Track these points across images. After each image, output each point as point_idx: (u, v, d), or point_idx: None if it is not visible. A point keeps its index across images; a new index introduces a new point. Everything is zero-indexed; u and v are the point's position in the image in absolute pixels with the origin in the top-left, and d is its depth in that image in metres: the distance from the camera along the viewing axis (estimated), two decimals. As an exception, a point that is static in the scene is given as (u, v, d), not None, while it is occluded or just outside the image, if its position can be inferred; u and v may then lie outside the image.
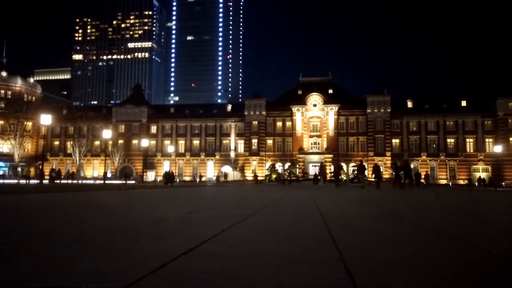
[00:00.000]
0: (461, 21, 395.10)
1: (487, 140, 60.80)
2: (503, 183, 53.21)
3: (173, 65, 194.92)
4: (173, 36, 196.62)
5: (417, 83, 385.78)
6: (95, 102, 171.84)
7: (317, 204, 6.23)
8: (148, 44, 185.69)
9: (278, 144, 67.05)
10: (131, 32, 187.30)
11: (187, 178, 67.21)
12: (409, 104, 64.38)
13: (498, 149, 53.73)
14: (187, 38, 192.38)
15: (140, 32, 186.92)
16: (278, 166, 63.47)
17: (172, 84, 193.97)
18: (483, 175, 60.44)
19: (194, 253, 2.11)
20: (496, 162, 58.48)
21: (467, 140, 61.69)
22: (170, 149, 66.01)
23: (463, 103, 62.84)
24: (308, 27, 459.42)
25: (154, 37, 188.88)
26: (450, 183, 57.30)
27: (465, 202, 9.11)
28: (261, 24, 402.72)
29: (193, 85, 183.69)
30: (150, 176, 68.14)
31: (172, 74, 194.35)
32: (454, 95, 65.24)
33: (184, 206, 6.33)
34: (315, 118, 65.71)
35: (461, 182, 58.45)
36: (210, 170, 68.96)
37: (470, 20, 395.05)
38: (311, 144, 65.28)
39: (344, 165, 61.26)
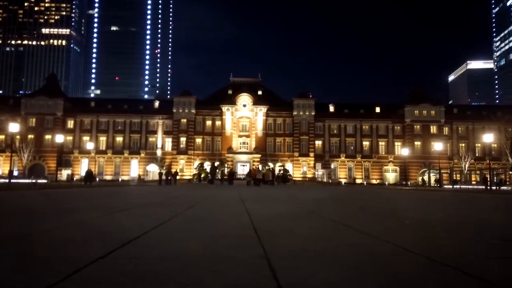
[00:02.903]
0: (376, 39, 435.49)
1: (396, 143, 67.60)
2: (409, 183, 59.80)
3: (94, 55, 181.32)
4: (95, 25, 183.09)
5: (338, 89, 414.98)
6: (0, 92, 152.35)
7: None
8: (65, 31, 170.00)
9: (207, 143, 66.53)
10: (45, 17, 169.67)
11: (108, 177, 63.16)
12: (331, 108, 68.73)
13: (405, 152, 60.12)
14: (111, 29, 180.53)
15: (56, 17, 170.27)
16: (207, 165, 62.95)
17: (93, 76, 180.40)
18: (392, 175, 67.15)
19: (114, 256, 1.95)
20: (403, 163, 65.33)
21: (380, 143, 67.92)
22: (89, 145, 61.25)
23: (377, 110, 69.07)
24: (239, 28, 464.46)
25: (73, 24, 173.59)
26: (365, 183, 62.56)
27: (378, 199, 9.97)
28: (192, 20, 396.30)
29: (117, 78, 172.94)
30: (65, 174, 62.56)
31: (94, 66, 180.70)
32: (370, 102, 71.38)
33: (104, 207, 5.90)
34: (244, 118, 66.59)
35: (374, 181, 64.17)
36: (135, 169, 65.70)
37: (384, 39, 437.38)
38: (240, 144, 66.01)
39: (271, 164, 63.12)
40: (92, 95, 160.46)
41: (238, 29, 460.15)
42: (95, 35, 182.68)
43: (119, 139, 66.46)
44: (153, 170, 65.59)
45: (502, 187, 34.30)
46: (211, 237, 2.68)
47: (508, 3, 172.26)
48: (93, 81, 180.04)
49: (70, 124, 66.05)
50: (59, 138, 47.76)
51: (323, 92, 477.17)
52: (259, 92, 69.39)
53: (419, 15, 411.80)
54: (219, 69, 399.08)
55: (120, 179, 60.45)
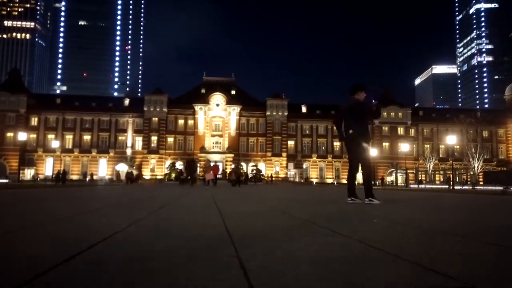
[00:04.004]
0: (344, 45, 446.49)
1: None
2: (377, 182, 61.62)
3: (61, 51, 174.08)
4: (62, 19, 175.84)
5: (310, 90, 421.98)
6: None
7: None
8: (30, 25, 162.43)
9: (179, 142, 65.63)
10: (8, 9, 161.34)
11: (75, 177, 60.94)
12: (304, 109, 69.70)
13: (374, 152, 61.89)
14: (79, 23, 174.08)
15: (20, 9, 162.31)
16: (179, 165, 62.16)
17: (59, 72, 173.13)
18: (361, 175, 68.90)
19: (80, 258, 1.87)
20: (372, 163, 67.27)
21: (350, 143, 69.61)
22: (55, 144, 58.83)
23: (348, 111, 70.72)
24: (212, 28, 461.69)
25: (38, 17, 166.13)
26: (335, 182, 63.90)
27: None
28: (164, 18, 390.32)
29: (84, 74, 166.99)
30: (28, 174, 59.80)
31: (60, 61, 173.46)
32: (341, 104, 72.86)
33: (70, 207, 5.68)
34: (217, 118, 66.23)
35: (344, 181, 65.68)
36: (103, 168, 63.80)
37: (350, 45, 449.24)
38: (213, 143, 65.61)
39: (244, 164, 63.24)
40: (58, 91, 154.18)
41: (211, 29, 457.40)
42: (61, 29, 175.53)
43: (87, 137, 64.32)
44: (123, 169, 63.98)
45: (463, 187, 36.05)
46: (182, 237, 2.63)
47: (470, 11, 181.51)
48: (59, 77, 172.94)
49: (34, 121, 63.22)
50: (22, 136, 45.50)
51: (296, 93, 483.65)
52: (233, 92, 69.27)
53: (389, 21, 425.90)
54: (192, 68, 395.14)
55: (87, 179, 58.45)
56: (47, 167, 61.52)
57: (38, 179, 54.19)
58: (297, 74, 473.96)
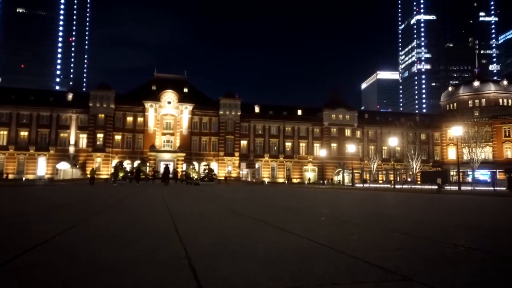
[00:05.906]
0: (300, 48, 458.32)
1: (315, 144, 71.72)
2: (325, 181, 63.94)
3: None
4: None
5: (263, 90, 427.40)
6: None
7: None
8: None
9: (127, 141, 63.03)
10: None
11: (10, 176, 56.12)
12: (257, 109, 70.30)
13: (323, 153, 64.14)
14: (17, 10, 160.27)
15: None
16: (127, 164, 59.69)
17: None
18: (311, 174, 71.07)
19: (16, 263, 1.73)
20: (321, 163, 69.62)
21: (301, 144, 71.41)
22: (-14, 140, 53.85)
23: (299, 112, 72.52)
24: (163, 23, 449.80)
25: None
26: (286, 182, 65.26)
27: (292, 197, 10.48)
28: (112, 8, 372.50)
29: (22, 66, 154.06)
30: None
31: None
32: (292, 105, 74.66)
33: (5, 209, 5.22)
34: (169, 116, 64.57)
35: (295, 180, 67.29)
36: (42, 167, 59.45)
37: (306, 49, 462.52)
38: (164, 142, 63.88)
39: (196, 164, 62.34)
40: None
41: (163, 24, 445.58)
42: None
43: (24, 133, 59.54)
44: (65, 168, 60.16)
45: (403, 186, 38.57)
46: (131, 238, 2.53)
47: (412, 22, 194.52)
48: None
49: (-39, 115, 57.25)
50: None
51: (249, 93, 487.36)
52: (185, 90, 67.89)
53: (338, 27, 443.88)
54: (142, 63, 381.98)
55: (24, 178, 54.12)
56: (-23, 166, 56.16)
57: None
58: (250, 75, 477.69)
